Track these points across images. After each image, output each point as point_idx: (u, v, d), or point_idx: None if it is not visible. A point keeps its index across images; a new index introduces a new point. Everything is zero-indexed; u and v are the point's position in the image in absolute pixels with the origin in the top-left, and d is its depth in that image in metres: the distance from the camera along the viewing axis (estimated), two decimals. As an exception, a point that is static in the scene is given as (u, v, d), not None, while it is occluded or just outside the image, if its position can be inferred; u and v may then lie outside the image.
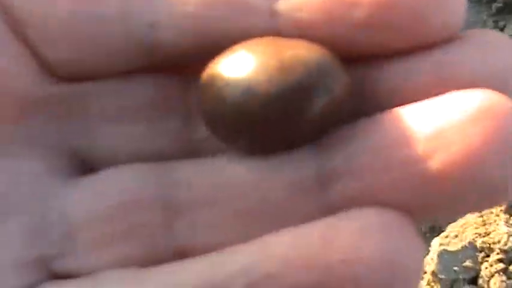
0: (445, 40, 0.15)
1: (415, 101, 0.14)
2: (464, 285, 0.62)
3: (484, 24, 0.74)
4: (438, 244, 0.63)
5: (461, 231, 0.64)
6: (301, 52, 0.14)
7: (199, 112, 0.16)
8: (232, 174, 0.15)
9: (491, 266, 0.61)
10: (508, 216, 0.64)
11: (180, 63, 0.17)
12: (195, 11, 0.16)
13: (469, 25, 0.74)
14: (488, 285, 0.61)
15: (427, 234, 0.73)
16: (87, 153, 0.17)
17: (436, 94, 0.14)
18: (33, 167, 0.17)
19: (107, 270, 0.15)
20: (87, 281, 0.15)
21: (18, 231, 0.16)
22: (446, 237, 0.64)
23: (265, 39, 0.15)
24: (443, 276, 0.62)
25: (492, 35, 0.15)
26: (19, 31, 0.15)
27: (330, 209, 0.14)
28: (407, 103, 0.14)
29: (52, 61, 0.16)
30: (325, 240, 0.13)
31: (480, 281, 0.62)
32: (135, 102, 0.17)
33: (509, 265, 0.61)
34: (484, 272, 0.61)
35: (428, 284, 0.63)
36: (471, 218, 0.66)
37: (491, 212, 0.65)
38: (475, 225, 0.65)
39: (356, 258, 0.13)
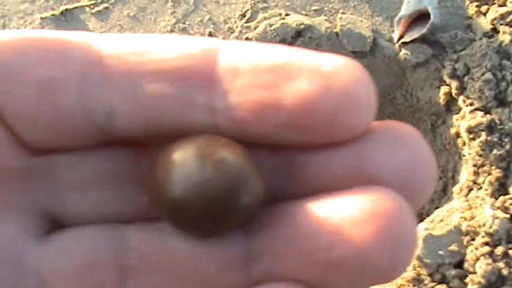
0: (358, 136, 0.17)
1: (334, 185, 0.18)
2: (449, 269, 0.62)
3: (466, 10, 0.74)
4: (423, 229, 0.63)
5: (447, 216, 0.64)
6: (227, 159, 0.17)
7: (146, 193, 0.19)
8: (173, 247, 0.18)
9: (476, 249, 0.61)
10: (493, 199, 0.64)
11: (133, 141, 0.20)
12: (147, 104, 0.19)
13: (452, 11, 0.74)
14: (474, 268, 0.61)
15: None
16: (56, 214, 0.20)
17: (349, 183, 0.17)
18: (8, 229, 0.19)
19: None
20: None
21: None
22: (432, 221, 0.64)
23: (199, 140, 0.18)
24: (428, 261, 0.62)
25: (402, 130, 0.18)
26: None
27: (254, 283, 0.18)
28: (328, 187, 0.18)
29: (26, 139, 0.19)
30: None
31: (466, 265, 0.62)
32: (95, 172, 0.20)
33: (495, 248, 0.62)
34: (470, 255, 0.61)
35: (414, 268, 0.63)
36: (457, 202, 0.66)
37: (477, 196, 0.65)
38: (460, 209, 0.65)
39: None
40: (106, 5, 0.76)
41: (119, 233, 0.19)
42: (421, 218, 0.69)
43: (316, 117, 0.17)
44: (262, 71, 0.18)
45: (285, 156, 0.19)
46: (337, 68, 0.17)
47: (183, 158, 0.18)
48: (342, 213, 0.17)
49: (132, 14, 0.76)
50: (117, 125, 0.19)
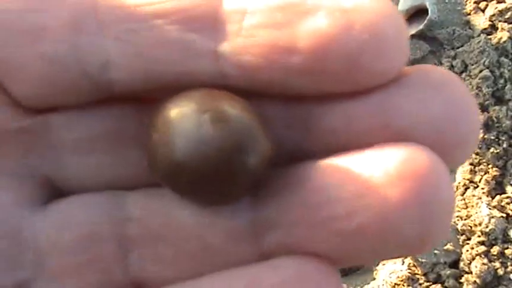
0: (386, 83, 0.15)
1: (356, 142, 0.15)
2: (445, 268, 0.61)
3: (464, 6, 0.73)
4: (419, 227, 0.62)
5: (443, 214, 0.64)
6: (228, 114, 0.15)
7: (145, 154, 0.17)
8: (176, 216, 0.17)
9: (472, 248, 0.60)
10: (490, 198, 0.63)
11: (133, 96, 0.18)
12: (145, 52, 0.17)
13: (450, 7, 0.74)
14: (469, 268, 0.60)
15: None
16: (54, 180, 0.18)
17: (374, 139, 0.15)
18: (4, 196, 0.18)
19: None
20: None
21: None
22: (428, 220, 0.63)
23: (197, 94, 0.16)
24: (424, 260, 0.61)
25: (438, 75, 0.15)
26: None
27: (264, 255, 0.16)
28: (349, 144, 0.15)
29: (19, 96, 0.18)
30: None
31: (461, 264, 0.61)
32: (93, 133, 0.18)
33: (491, 247, 0.61)
34: (466, 255, 0.60)
35: (408, 268, 0.62)
36: (452, 201, 0.65)
37: (473, 195, 0.64)
38: (456, 208, 0.64)
39: None
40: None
41: (119, 201, 0.17)
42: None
43: (336, 60, 0.15)
44: (273, 9, 0.15)
45: (299, 109, 0.16)
46: (361, 2, 0.15)
47: (179, 115, 0.16)
48: (364, 175, 0.15)
49: None
50: (113, 77, 0.17)
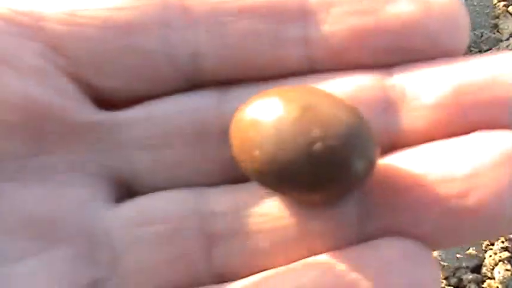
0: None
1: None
2: (467, 273, 0.61)
3: (493, 9, 0.73)
4: (441, 231, 0.62)
5: (466, 219, 0.64)
6: (337, 115, 0.15)
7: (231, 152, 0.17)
8: (271, 207, 0.17)
9: (495, 254, 0.60)
10: (513, 204, 0.63)
11: (216, 83, 0.18)
12: (234, 42, 0.18)
13: (479, 9, 0.73)
14: (492, 273, 0.60)
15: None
16: (128, 179, 0.18)
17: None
18: (78, 193, 0.18)
19: None
20: None
21: (69, 256, 0.17)
22: (450, 224, 0.63)
23: (299, 90, 0.16)
24: (446, 264, 0.61)
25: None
26: (68, 67, 0.18)
27: (366, 239, 0.16)
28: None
29: (101, 89, 0.18)
30: (356, 269, 0.15)
31: (484, 269, 0.61)
32: (171, 127, 0.18)
33: (514, 254, 0.61)
34: (488, 260, 0.60)
35: (430, 270, 0.62)
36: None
37: (496, 200, 0.63)
38: (479, 213, 0.64)
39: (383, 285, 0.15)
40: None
41: (201, 197, 0.18)
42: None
43: (420, 38, 0.17)
44: None
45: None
46: None
47: (285, 113, 0.15)
48: (473, 158, 0.15)
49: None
50: (204, 67, 0.18)
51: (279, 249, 0.17)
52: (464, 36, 0.17)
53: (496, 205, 0.15)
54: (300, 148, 0.15)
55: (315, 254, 0.16)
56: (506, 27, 0.69)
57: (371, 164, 0.15)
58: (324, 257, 0.16)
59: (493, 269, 0.60)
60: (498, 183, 0.15)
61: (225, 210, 0.17)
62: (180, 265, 0.17)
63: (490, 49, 0.68)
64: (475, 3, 0.73)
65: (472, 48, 0.69)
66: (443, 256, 0.62)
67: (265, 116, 0.16)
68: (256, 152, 0.15)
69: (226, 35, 0.18)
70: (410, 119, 0.17)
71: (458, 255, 0.61)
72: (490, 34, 0.69)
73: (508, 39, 0.68)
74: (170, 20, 0.18)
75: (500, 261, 0.60)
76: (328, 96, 0.16)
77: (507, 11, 0.71)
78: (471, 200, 0.15)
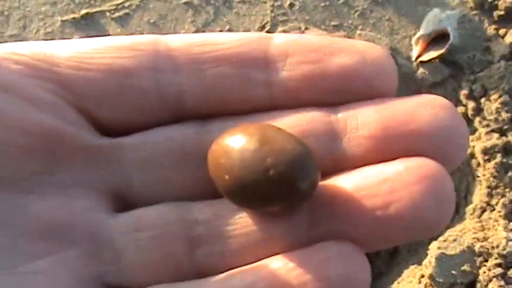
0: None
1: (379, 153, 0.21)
2: (462, 289, 0.62)
3: (484, 32, 0.74)
4: (436, 248, 0.63)
5: (460, 236, 0.65)
6: (286, 147, 0.20)
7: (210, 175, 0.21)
8: (241, 217, 0.21)
9: (489, 270, 0.61)
10: (507, 221, 0.64)
11: (196, 118, 0.23)
12: (210, 84, 0.22)
13: (471, 32, 0.75)
14: (486, 289, 0.61)
15: (425, 240, 0.73)
16: (124, 194, 0.22)
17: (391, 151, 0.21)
18: (84, 204, 0.22)
19: (148, 285, 0.21)
20: None
21: (79, 255, 0.21)
22: (445, 241, 0.64)
23: (259, 128, 0.20)
24: (441, 280, 0.62)
25: (435, 101, 0.21)
26: (76, 102, 0.22)
27: (314, 241, 0.21)
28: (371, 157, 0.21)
29: (103, 120, 0.22)
30: (302, 265, 0.20)
31: (478, 286, 0.62)
32: (160, 152, 0.22)
33: (508, 270, 0.62)
34: (482, 276, 0.61)
35: (425, 287, 0.63)
36: (469, 223, 0.66)
37: (490, 218, 0.65)
38: (473, 230, 0.65)
39: (319, 284, 0.20)
40: (127, 10, 0.77)
41: (187, 209, 0.22)
42: (432, 237, 0.69)
43: (358, 82, 0.22)
44: (308, 51, 0.22)
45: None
46: (368, 46, 0.22)
47: (248, 145, 0.20)
48: (393, 177, 0.20)
49: (152, 21, 0.77)
50: (186, 103, 0.22)
51: (247, 250, 0.21)
52: (393, 81, 0.22)
53: (411, 214, 0.20)
54: (259, 173, 0.19)
55: (275, 254, 0.21)
56: (497, 49, 0.71)
57: (313, 183, 0.20)
58: (280, 257, 0.21)
59: (487, 285, 0.62)
60: (412, 198, 0.20)
61: (206, 220, 0.21)
62: (169, 262, 0.21)
63: (481, 70, 0.70)
64: (467, 27, 0.74)
65: (465, 70, 0.71)
66: (439, 272, 0.63)
67: (232, 148, 0.20)
68: (226, 177, 0.20)
69: (204, 78, 0.22)
70: (350, 147, 0.21)
71: (453, 272, 0.62)
72: (481, 56, 0.71)
73: (499, 61, 0.70)
74: (160, 66, 0.22)
75: (494, 277, 0.61)
76: (281, 131, 0.20)
77: (498, 34, 0.73)
78: (392, 210, 0.20)
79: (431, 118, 0.21)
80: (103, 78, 0.22)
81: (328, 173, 0.21)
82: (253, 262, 0.21)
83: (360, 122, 0.21)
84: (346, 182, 0.21)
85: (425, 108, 0.21)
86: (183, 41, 0.22)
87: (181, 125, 0.23)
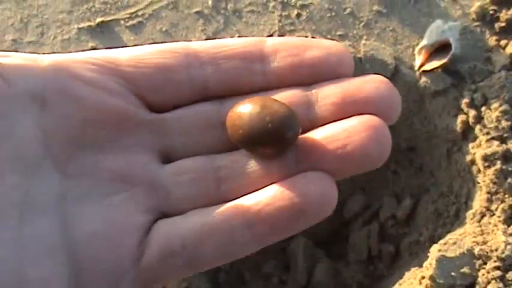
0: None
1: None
2: (461, 290, 0.64)
3: (486, 43, 0.76)
4: (437, 250, 0.65)
5: (460, 239, 0.66)
6: (279, 110, 0.30)
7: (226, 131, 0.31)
8: (246, 162, 0.31)
9: (488, 272, 0.63)
10: (506, 226, 0.66)
11: (215, 97, 0.33)
12: (225, 74, 0.33)
13: (472, 43, 0.77)
14: (484, 291, 0.63)
15: (426, 244, 0.75)
16: (170, 151, 0.33)
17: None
18: (142, 158, 0.32)
19: (189, 210, 0.31)
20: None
21: (142, 192, 0.31)
22: (445, 244, 0.66)
23: (260, 99, 0.31)
24: (441, 281, 0.64)
25: (377, 79, 0.31)
26: (135, 90, 0.32)
27: (299, 171, 0.30)
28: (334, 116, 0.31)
29: (152, 101, 0.32)
30: (291, 188, 0.29)
31: (477, 287, 0.64)
32: (194, 121, 0.32)
33: (506, 273, 0.64)
34: (481, 278, 0.63)
35: (426, 287, 0.65)
36: (470, 227, 0.68)
37: (490, 222, 0.67)
38: (473, 234, 0.67)
39: (303, 198, 0.29)
40: (140, 19, 0.79)
41: (211, 159, 0.31)
42: (433, 240, 0.71)
43: (325, 68, 0.31)
44: (291, 48, 0.31)
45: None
46: (333, 43, 0.32)
47: (253, 110, 0.30)
48: (349, 127, 0.29)
49: (164, 29, 0.79)
50: (209, 88, 0.32)
51: (254, 182, 0.30)
52: (350, 67, 0.31)
53: (361, 152, 0.29)
54: (261, 127, 0.29)
55: (272, 182, 0.30)
56: (498, 60, 0.73)
57: (296, 133, 0.30)
58: (276, 184, 0.30)
59: (485, 287, 0.63)
60: (362, 141, 0.29)
61: (226, 165, 0.31)
62: (202, 194, 0.31)
63: (482, 80, 0.72)
64: (469, 38, 0.76)
65: (467, 80, 0.73)
66: (439, 274, 0.65)
67: (243, 113, 0.30)
68: (240, 131, 0.30)
69: (221, 70, 0.32)
70: (321, 111, 0.31)
71: (453, 274, 0.64)
72: (482, 66, 0.73)
73: (499, 71, 0.72)
74: (190, 62, 0.32)
75: (492, 279, 0.63)
76: (275, 101, 0.30)
77: (499, 45, 0.75)
78: (348, 149, 0.29)
79: (374, 89, 0.30)
80: (152, 72, 0.31)
81: (306, 130, 0.30)
82: (259, 189, 0.30)
83: (326, 94, 0.31)
84: (318, 134, 0.30)
85: (370, 83, 0.30)
86: (204, 45, 0.32)
87: (206, 103, 0.32)
